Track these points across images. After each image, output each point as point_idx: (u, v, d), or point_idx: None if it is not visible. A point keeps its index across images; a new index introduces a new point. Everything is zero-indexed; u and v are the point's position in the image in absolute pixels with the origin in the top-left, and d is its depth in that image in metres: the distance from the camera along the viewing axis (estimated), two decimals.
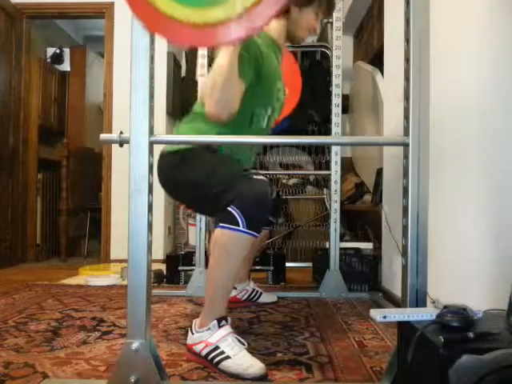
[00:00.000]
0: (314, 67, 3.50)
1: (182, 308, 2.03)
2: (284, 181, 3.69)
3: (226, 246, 1.32)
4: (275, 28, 1.60)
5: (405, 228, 1.11)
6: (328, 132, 2.46)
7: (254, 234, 1.31)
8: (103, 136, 1.16)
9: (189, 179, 1.48)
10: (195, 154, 1.49)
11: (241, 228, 1.29)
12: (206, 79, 1.39)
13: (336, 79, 2.37)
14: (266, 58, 1.48)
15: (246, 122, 1.55)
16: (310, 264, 2.79)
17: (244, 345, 1.32)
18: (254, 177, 1.38)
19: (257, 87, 1.46)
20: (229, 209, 1.30)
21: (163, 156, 1.54)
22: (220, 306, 1.36)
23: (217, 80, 1.31)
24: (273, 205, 1.82)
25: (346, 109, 3.43)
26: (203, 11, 0.90)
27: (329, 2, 1.68)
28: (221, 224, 1.32)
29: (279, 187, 3.61)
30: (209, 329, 1.32)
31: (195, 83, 2.48)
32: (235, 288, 2.05)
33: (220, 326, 1.32)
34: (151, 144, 1.11)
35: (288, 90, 1.77)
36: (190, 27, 0.91)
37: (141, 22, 0.97)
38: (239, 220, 1.29)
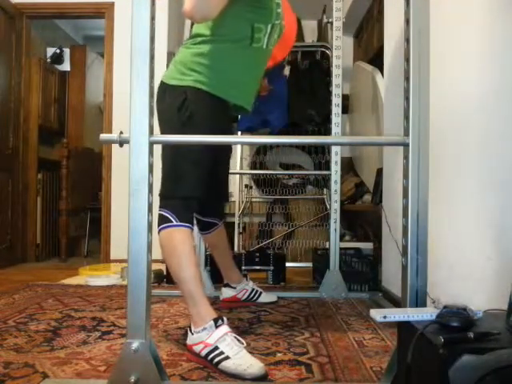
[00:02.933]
0: (314, 67, 3.50)
1: (182, 308, 2.03)
2: (284, 181, 3.69)
3: (167, 245, 1.44)
4: None
5: (405, 228, 1.11)
6: (328, 132, 2.46)
7: (188, 225, 1.45)
8: (103, 136, 1.16)
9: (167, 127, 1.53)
10: (188, 100, 1.48)
11: (174, 223, 1.43)
12: None
13: (336, 79, 2.37)
14: None
15: (247, 39, 1.52)
16: (310, 264, 2.79)
17: (243, 344, 1.32)
18: (195, 180, 1.48)
19: None
20: (160, 212, 1.46)
21: (166, 87, 1.54)
22: (199, 300, 1.38)
23: None
24: (215, 207, 1.89)
25: (345, 109, 3.44)
26: None
27: None
28: (158, 228, 1.44)
29: (279, 187, 3.62)
30: (205, 328, 1.33)
31: None
32: (234, 288, 2.05)
33: (217, 326, 1.32)
34: (151, 144, 1.11)
35: (285, 26, 1.74)
36: None
37: None
38: (171, 217, 1.43)
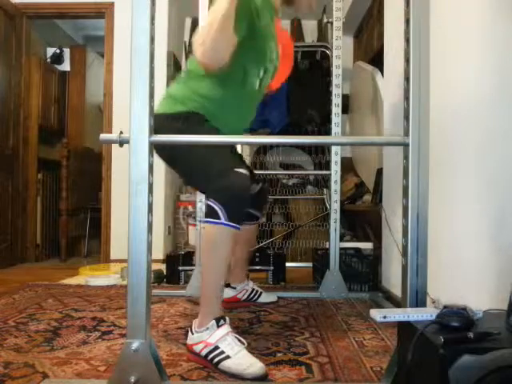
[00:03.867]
0: (314, 67, 3.50)
1: (182, 308, 2.03)
2: (284, 181, 3.69)
3: (211, 240, 1.38)
4: None
5: (405, 228, 1.11)
6: (328, 132, 2.45)
7: (235, 225, 1.36)
8: (103, 136, 1.16)
9: (181, 155, 1.52)
10: (190, 128, 1.50)
11: (222, 221, 1.34)
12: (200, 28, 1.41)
13: (336, 79, 2.37)
14: (260, 14, 1.47)
15: (239, 81, 1.56)
16: (310, 264, 2.79)
17: (244, 344, 1.32)
18: (236, 169, 1.40)
19: (249, 43, 1.46)
20: (209, 202, 1.37)
21: (161, 118, 1.51)
22: (216, 304, 1.37)
23: (211, 28, 1.30)
24: (256, 199, 1.85)
25: (345, 109, 3.44)
26: None
27: None
28: (204, 218, 1.39)
29: (279, 187, 3.61)
30: (207, 329, 1.32)
31: None
32: (234, 288, 2.05)
33: (218, 326, 1.32)
34: (151, 144, 1.11)
35: (281, 55, 1.76)
36: None
37: None
38: (220, 213, 1.34)
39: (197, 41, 1.36)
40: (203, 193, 1.52)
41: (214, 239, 1.37)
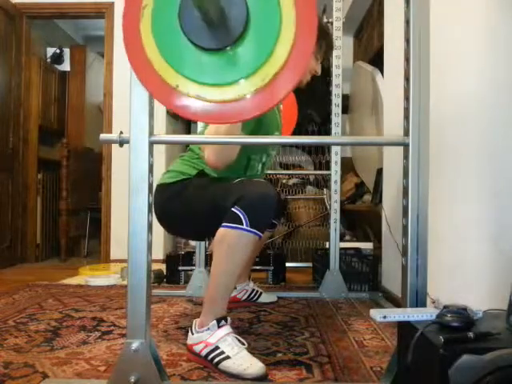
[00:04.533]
0: None
1: (182, 308, 2.03)
2: (284, 181, 3.69)
3: (230, 245, 1.32)
4: None
5: (405, 228, 1.11)
6: (328, 132, 2.46)
7: (258, 233, 1.32)
8: (103, 136, 1.16)
9: (192, 205, 1.49)
10: (191, 183, 1.51)
11: (244, 227, 1.30)
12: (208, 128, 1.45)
13: (336, 79, 2.37)
14: None
15: (242, 168, 1.61)
16: (310, 264, 2.79)
17: (244, 345, 1.32)
18: (255, 179, 1.42)
19: (253, 135, 1.47)
20: (232, 209, 1.32)
21: (159, 190, 1.54)
22: (220, 306, 1.36)
23: (219, 132, 1.33)
24: (276, 206, 1.84)
25: (345, 109, 3.44)
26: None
27: (328, 44, 1.75)
28: (224, 223, 1.33)
29: (279, 187, 3.61)
30: (208, 329, 1.32)
31: None
32: (235, 288, 2.05)
33: (219, 326, 1.32)
34: (151, 144, 1.11)
35: (284, 122, 1.81)
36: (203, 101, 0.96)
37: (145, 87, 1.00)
38: (243, 219, 1.30)
39: (206, 147, 1.41)
40: (224, 214, 1.39)
41: (233, 243, 1.32)
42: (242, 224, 1.30)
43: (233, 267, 1.34)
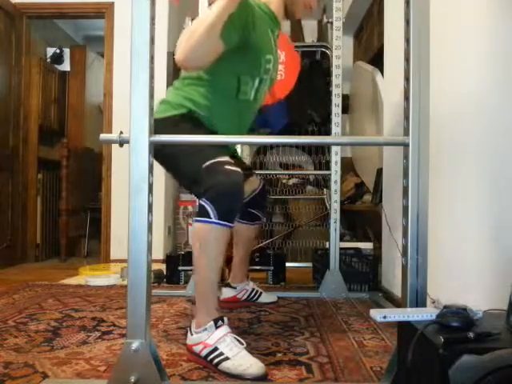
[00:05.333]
0: (314, 67, 3.50)
1: (182, 308, 2.03)
2: (284, 181, 3.69)
3: (200, 238, 1.36)
4: (276, 1, 1.63)
5: (405, 228, 1.11)
6: (328, 132, 2.45)
7: (227, 224, 1.34)
8: (103, 136, 1.16)
9: (171, 155, 1.50)
10: (184, 129, 1.49)
11: (212, 219, 1.32)
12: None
13: (336, 79, 2.37)
14: (257, 28, 1.48)
15: (232, 90, 1.56)
16: (310, 264, 2.79)
17: (243, 344, 1.31)
18: (227, 167, 1.37)
19: (242, 54, 1.47)
20: (201, 202, 1.35)
21: (163, 120, 1.53)
22: (211, 303, 1.37)
23: (196, 30, 1.31)
24: (256, 199, 1.84)
25: (345, 109, 3.44)
26: None
27: None
28: (195, 217, 1.37)
29: (279, 187, 3.61)
30: (205, 329, 1.32)
31: None
32: (234, 288, 2.05)
33: (217, 327, 1.32)
34: (151, 144, 1.11)
35: (286, 72, 1.77)
36: None
37: None
38: (210, 211, 1.32)
39: (180, 41, 1.37)
40: (195, 195, 1.48)
41: (204, 238, 1.35)
42: (210, 217, 1.32)
43: (210, 261, 1.36)
